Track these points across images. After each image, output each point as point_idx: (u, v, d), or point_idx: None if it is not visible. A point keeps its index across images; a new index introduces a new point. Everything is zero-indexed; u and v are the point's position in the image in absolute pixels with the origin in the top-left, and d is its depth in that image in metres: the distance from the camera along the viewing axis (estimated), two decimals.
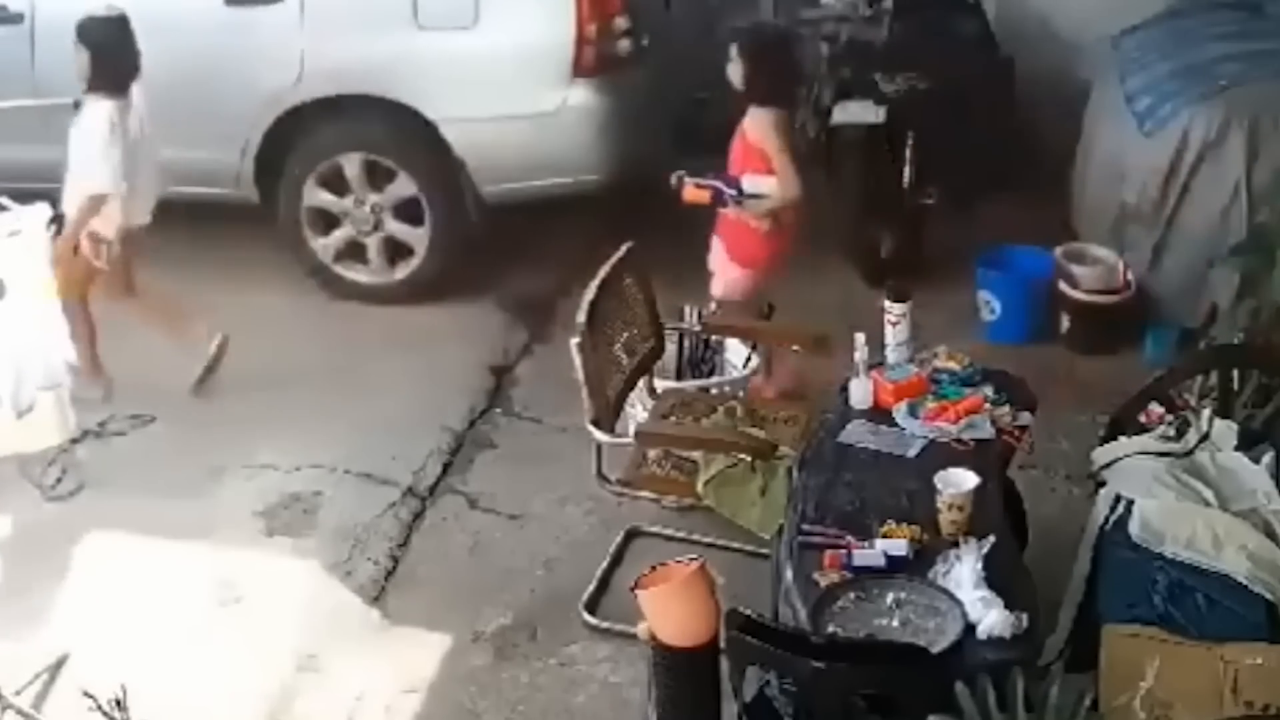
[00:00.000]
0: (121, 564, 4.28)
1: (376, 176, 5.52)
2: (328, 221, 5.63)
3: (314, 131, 5.49)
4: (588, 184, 5.42)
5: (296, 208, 5.60)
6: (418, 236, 5.56)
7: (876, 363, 3.86)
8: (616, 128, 5.39)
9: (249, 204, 5.66)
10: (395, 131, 5.44)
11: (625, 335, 4.09)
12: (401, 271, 5.64)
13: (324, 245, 5.65)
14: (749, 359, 4.62)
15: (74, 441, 4.66)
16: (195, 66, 5.36)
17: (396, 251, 5.63)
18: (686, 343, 4.68)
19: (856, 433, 3.69)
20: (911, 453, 3.60)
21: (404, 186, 5.50)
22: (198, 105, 5.38)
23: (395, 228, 5.58)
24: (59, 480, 4.61)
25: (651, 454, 4.07)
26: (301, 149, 5.52)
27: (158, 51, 5.30)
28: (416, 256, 5.59)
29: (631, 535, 4.34)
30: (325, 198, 5.58)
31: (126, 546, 4.35)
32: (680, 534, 4.28)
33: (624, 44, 5.36)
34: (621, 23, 5.33)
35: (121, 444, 4.83)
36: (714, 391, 4.53)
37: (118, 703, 3.68)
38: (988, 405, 3.73)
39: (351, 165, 5.51)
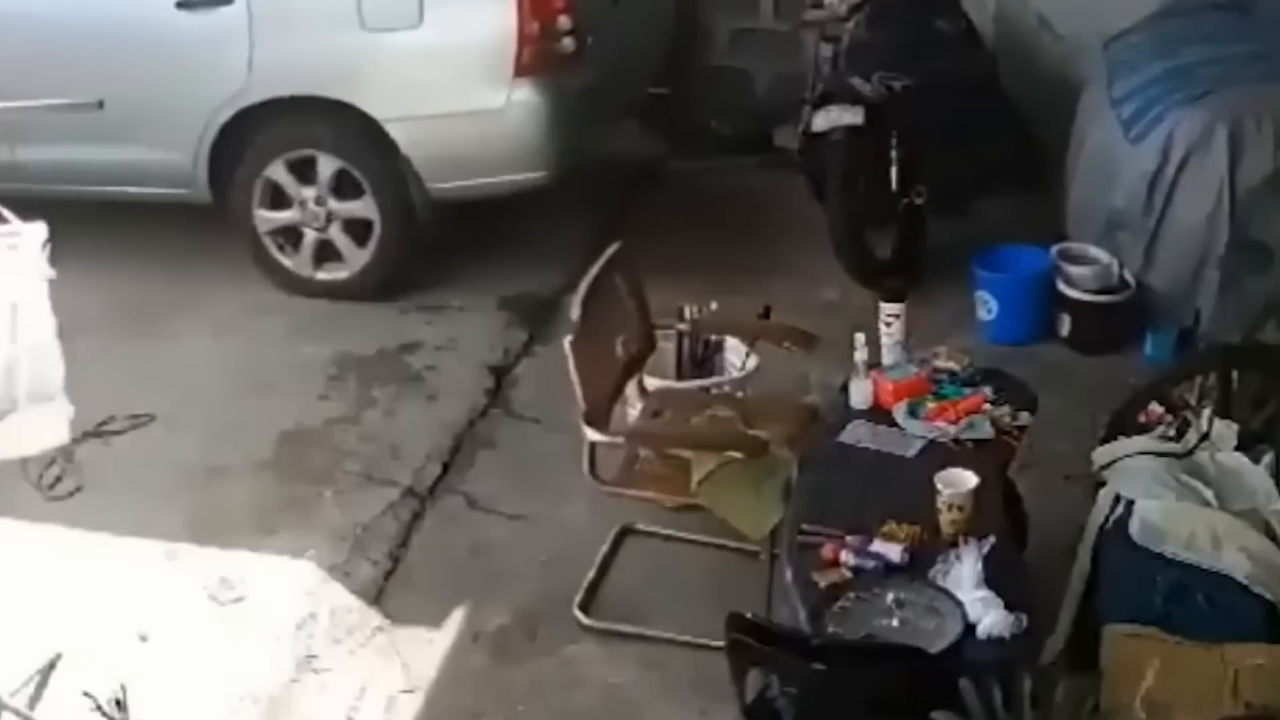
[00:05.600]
0: (120, 564, 4.28)
1: (303, 173, 5.55)
2: (294, 238, 5.66)
3: (259, 135, 5.51)
4: (535, 181, 5.45)
5: (256, 234, 5.65)
6: (367, 206, 5.56)
7: (875, 363, 3.87)
8: (563, 125, 5.40)
9: (208, 205, 5.68)
10: (340, 131, 5.46)
11: (617, 334, 4.09)
12: (371, 247, 5.63)
13: (300, 260, 5.67)
14: (748, 358, 4.61)
15: (74, 442, 4.67)
16: (147, 68, 5.40)
17: (362, 236, 5.64)
18: (686, 342, 4.68)
19: (856, 433, 3.69)
20: (911, 453, 3.60)
21: (329, 165, 5.51)
22: (150, 107, 5.43)
23: (343, 207, 5.58)
24: (58, 480, 4.61)
25: (644, 453, 4.06)
26: (249, 153, 5.55)
27: (110, 53, 5.40)
28: (375, 227, 5.58)
29: (624, 533, 4.34)
30: (279, 216, 5.61)
31: (126, 546, 4.34)
32: (675, 532, 4.27)
33: (568, 42, 5.37)
34: (565, 22, 5.33)
35: (121, 444, 4.83)
36: (714, 391, 4.53)
37: (118, 703, 3.69)
38: (987, 405, 3.74)
39: (280, 172, 5.54)
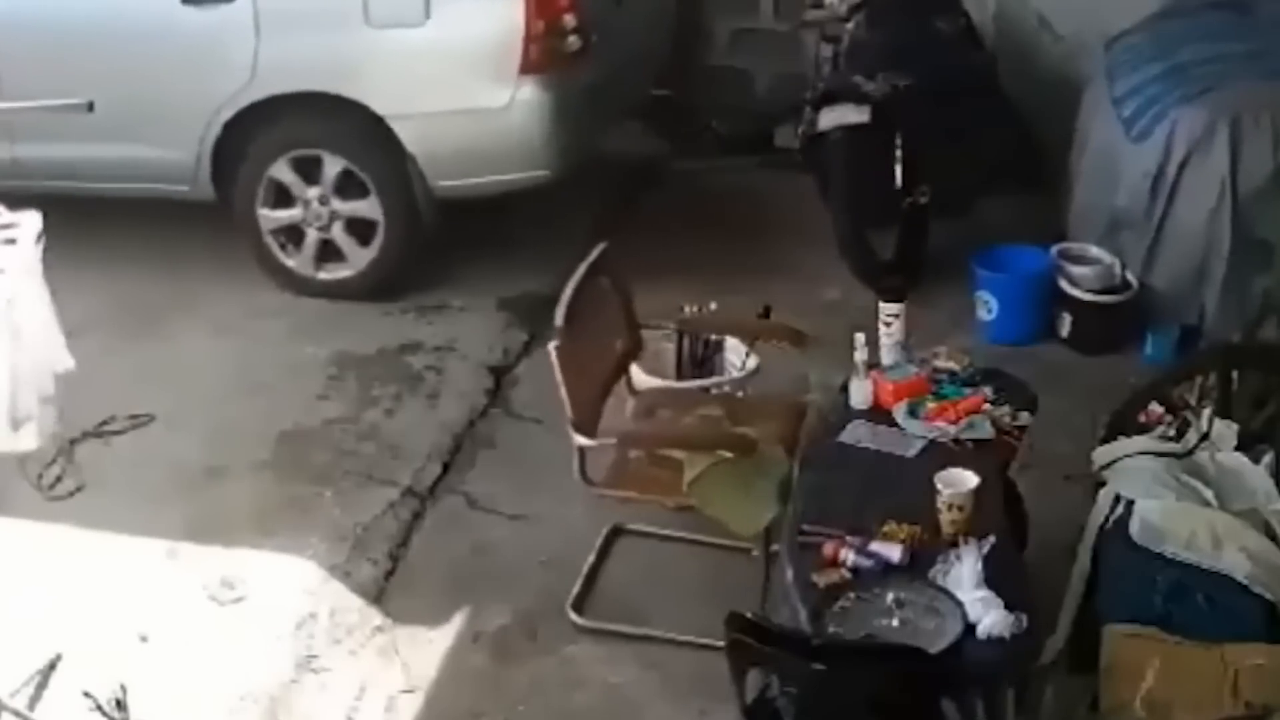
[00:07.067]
0: (121, 564, 4.28)
1: (308, 172, 5.55)
2: (296, 237, 5.66)
3: (263, 130, 5.51)
4: (538, 179, 5.46)
5: (258, 232, 5.65)
6: (371, 207, 5.56)
7: (875, 363, 3.87)
8: (567, 123, 5.41)
9: (209, 204, 5.69)
10: (344, 129, 5.47)
11: (608, 336, 4.09)
12: (375, 248, 5.63)
13: (301, 259, 5.67)
14: (747, 358, 4.61)
15: (73, 442, 4.67)
16: (151, 64, 5.42)
17: (365, 235, 5.64)
18: (686, 342, 4.67)
19: (856, 433, 3.69)
20: (911, 453, 3.60)
21: (334, 165, 5.51)
22: (154, 103, 5.45)
23: (347, 207, 5.57)
24: (58, 480, 4.61)
25: (635, 454, 4.06)
26: (253, 150, 5.55)
27: (115, 48, 5.41)
28: (379, 228, 5.58)
29: (615, 533, 4.34)
30: (282, 215, 5.61)
31: (126, 546, 4.34)
32: (668, 531, 4.27)
33: (572, 41, 5.37)
34: (570, 20, 5.34)
35: (121, 444, 4.83)
36: (713, 391, 4.52)
37: (118, 703, 3.70)
38: (987, 405, 3.73)
39: (285, 171, 5.55)
